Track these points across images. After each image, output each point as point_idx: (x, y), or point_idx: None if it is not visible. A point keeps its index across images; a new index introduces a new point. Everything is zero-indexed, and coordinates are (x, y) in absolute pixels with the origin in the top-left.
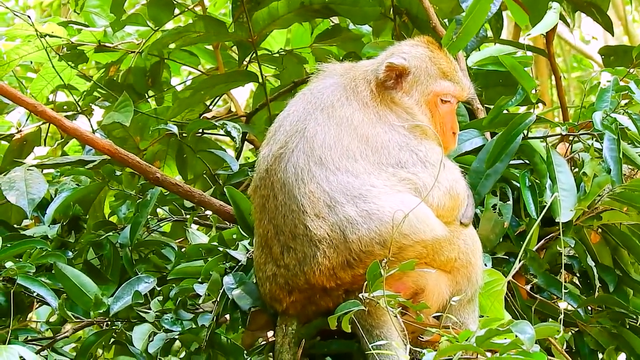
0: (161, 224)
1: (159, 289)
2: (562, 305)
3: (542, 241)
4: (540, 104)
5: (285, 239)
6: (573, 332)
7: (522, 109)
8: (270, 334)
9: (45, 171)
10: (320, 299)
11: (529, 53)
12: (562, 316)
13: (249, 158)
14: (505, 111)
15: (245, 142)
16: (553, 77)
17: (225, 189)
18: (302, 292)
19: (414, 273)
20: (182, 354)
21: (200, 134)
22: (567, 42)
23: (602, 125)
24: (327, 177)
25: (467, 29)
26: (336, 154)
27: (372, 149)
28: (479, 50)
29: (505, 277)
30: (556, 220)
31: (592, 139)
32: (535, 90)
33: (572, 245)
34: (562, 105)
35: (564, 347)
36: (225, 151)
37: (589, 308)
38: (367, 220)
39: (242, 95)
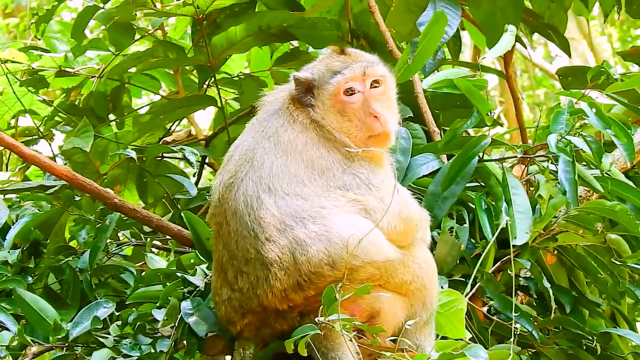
0: (122, 248)
1: (117, 313)
2: (517, 326)
3: (498, 263)
4: (498, 125)
5: (238, 263)
6: (530, 352)
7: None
8: (228, 358)
9: (6, 196)
10: (274, 321)
11: (488, 75)
12: (514, 338)
13: (210, 180)
14: (465, 133)
15: (206, 166)
16: (520, 96)
17: (182, 214)
18: (255, 314)
19: (368, 296)
20: None
21: (160, 158)
22: (530, 60)
23: (557, 148)
24: (276, 202)
25: (422, 52)
26: (284, 181)
27: (318, 173)
28: (438, 72)
29: None
30: (512, 243)
31: (548, 161)
32: (491, 113)
33: (528, 267)
34: (520, 127)
35: None
36: (187, 174)
37: (547, 329)
38: (315, 241)
39: (207, 117)
